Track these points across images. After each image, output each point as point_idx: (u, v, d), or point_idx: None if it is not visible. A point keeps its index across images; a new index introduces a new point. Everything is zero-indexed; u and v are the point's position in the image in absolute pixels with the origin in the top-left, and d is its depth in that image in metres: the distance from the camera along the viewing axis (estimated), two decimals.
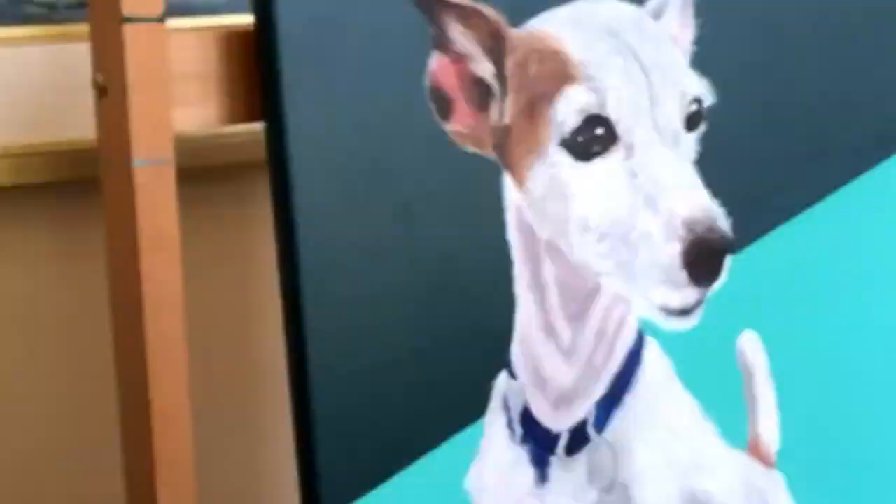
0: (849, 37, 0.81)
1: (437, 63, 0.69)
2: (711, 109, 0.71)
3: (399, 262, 0.72)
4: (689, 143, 0.70)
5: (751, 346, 0.78)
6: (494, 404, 0.74)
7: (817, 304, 0.80)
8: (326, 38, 0.71)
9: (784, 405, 0.78)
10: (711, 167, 0.71)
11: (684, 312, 0.69)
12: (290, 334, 0.71)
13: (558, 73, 0.68)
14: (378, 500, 0.73)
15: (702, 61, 0.72)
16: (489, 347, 0.73)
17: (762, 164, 0.79)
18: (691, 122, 0.69)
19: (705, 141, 0.71)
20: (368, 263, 0.72)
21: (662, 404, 0.76)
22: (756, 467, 0.78)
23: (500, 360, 0.73)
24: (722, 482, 0.77)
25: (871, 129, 0.82)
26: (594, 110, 0.67)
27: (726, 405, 0.78)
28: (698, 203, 0.67)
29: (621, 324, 0.74)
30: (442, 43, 0.69)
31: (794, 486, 0.79)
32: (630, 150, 0.67)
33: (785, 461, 0.79)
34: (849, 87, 0.81)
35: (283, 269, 0.71)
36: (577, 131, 0.67)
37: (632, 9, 0.71)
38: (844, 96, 0.81)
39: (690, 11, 0.73)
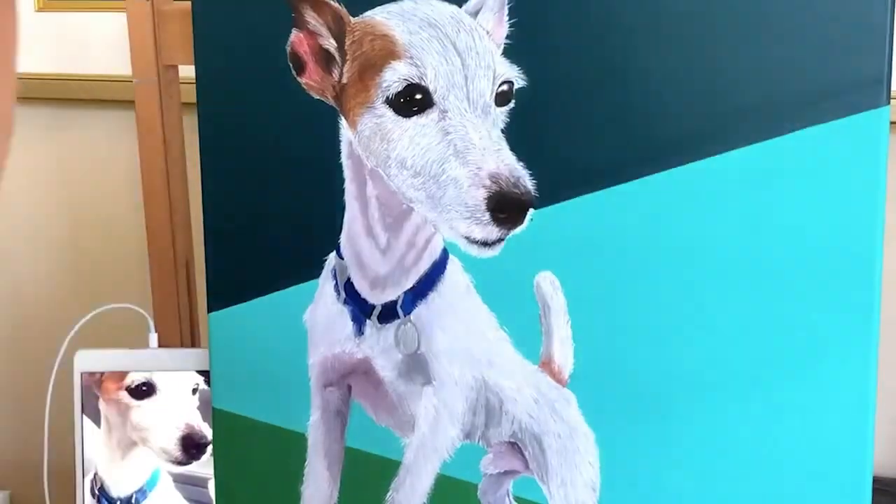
0: (657, 32, 0.80)
1: (295, 36, 0.84)
2: (524, 90, 0.80)
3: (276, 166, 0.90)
4: (499, 115, 0.80)
5: (547, 282, 0.83)
6: (326, 272, 0.89)
7: (616, 262, 0.82)
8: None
9: (579, 338, 0.84)
10: (525, 137, 0.81)
11: (486, 244, 0.80)
12: None
13: (387, 50, 0.80)
14: (249, 308, 0.92)
15: (515, 52, 0.80)
16: (327, 234, 0.88)
17: (569, 137, 0.81)
18: (501, 98, 0.80)
19: (521, 116, 0.80)
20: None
21: (460, 306, 0.85)
22: (547, 380, 0.85)
23: (333, 243, 0.88)
24: (512, 380, 0.86)
25: (682, 127, 0.80)
26: (414, 80, 0.79)
27: (521, 328, 0.85)
28: (503, 161, 0.78)
29: (429, 240, 0.84)
30: (299, 23, 0.84)
31: (583, 405, 0.85)
32: (444, 113, 0.79)
33: (576, 384, 0.84)
34: (659, 84, 0.80)
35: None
36: (400, 94, 0.79)
37: (451, 7, 0.81)
38: (654, 93, 0.80)
39: (504, 12, 0.80)
